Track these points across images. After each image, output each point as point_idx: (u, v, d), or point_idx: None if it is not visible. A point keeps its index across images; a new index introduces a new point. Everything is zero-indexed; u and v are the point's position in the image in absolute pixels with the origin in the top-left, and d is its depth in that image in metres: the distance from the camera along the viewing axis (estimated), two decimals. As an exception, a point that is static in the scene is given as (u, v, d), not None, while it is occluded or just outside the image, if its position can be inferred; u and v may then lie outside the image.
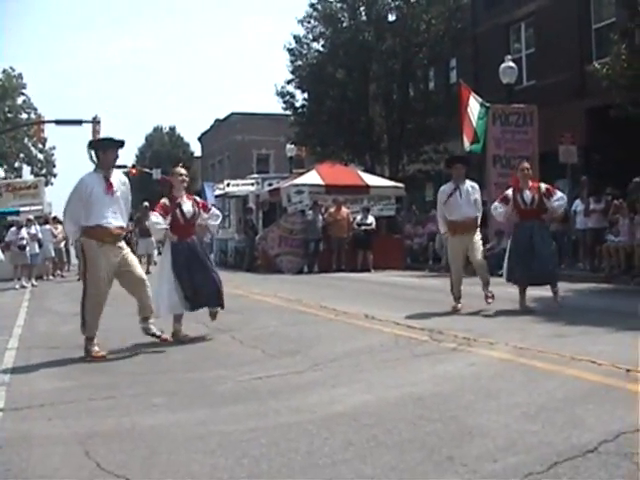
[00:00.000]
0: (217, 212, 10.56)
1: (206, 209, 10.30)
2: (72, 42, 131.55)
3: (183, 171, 10.14)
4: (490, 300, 11.98)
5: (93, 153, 9.01)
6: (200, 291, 9.81)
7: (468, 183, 12.27)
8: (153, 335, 9.22)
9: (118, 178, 9.15)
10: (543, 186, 12.10)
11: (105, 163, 8.99)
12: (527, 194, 11.83)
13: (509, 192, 12.06)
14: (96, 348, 8.56)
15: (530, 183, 11.98)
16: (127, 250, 9.13)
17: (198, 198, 10.67)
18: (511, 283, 12.07)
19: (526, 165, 12.32)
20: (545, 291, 12.07)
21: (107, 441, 5.11)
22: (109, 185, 8.85)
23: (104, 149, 9.02)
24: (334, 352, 8.28)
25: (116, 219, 8.87)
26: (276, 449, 4.77)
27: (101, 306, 8.76)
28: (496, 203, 12.25)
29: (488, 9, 32.12)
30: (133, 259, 9.20)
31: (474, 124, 21.98)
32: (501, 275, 12.41)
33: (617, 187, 20.02)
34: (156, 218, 9.68)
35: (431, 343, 8.70)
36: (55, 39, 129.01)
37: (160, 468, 4.52)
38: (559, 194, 12.22)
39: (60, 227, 28.58)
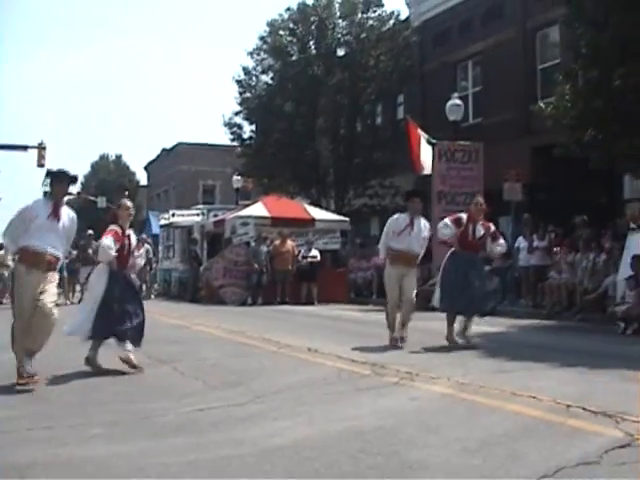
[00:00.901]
0: (144, 253, 10.68)
1: (138, 247, 10.49)
2: (17, 64, 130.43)
3: (130, 204, 10.11)
4: (399, 344, 11.67)
5: (48, 182, 8.98)
6: (125, 324, 9.53)
7: (422, 220, 12.26)
8: (21, 373, 8.63)
9: (67, 212, 9.07)
10: (493, 227, 12.26)
11: (56, 193, 8.96)
12: (479, 228, 11.90)
13: (463, 216, 12.06)
14: (28, 369, 8.42)
15: (482, 219, 12.07)
16: (52, 284, 8.91)
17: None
18: (447, 312, 12.00)
19: (481, 200, 12.35)
20: (489, 326, 12.17)
21: (45, 472, 5.01)
22: (55, 213, 8.78)
23: (58, 180, 8.98)
24: (276, 385, 8.23)
25: (54, 248, 8.77)
26: (216, 482, 4.73)
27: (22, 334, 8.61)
28: (447, 221, 12.11)
29: (436, 47, 32.53)
30: (49, 296, 8.86)
31: (425, 149, 22.07)
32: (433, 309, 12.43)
33: (560, 225, 20.30)
34: (110, 242, 9.50)
35: (373, 377, 8.69)
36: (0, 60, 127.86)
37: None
38: (502, 241, 12.47)
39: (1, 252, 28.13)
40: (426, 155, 22.08)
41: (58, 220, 8.81)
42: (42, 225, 8.66)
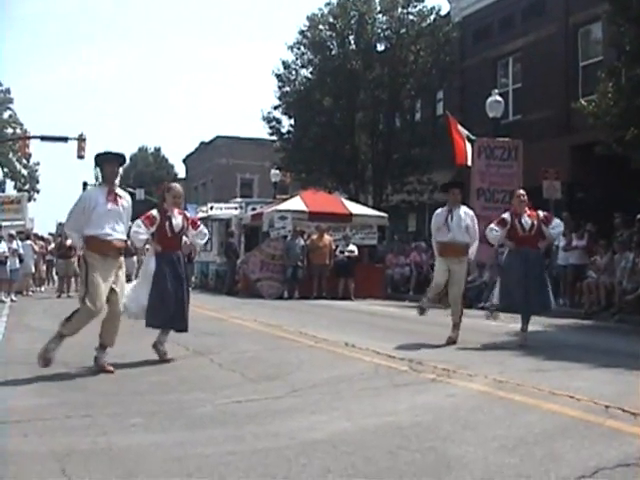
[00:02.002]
0: (205, 230, 10.40)
1: (195, 226, 10.14)
2: (61, 58, 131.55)
3: (179, 191, 10.07)
4: (450, 342, 11.56)
5: (98, 169, 9.09)
6: (170, 309, 9.58)
7: (462, 208, 12.14)
8: (99, 364, 8.92)
9: (122, 194, 9.19)
10: (541, 213, 12.12)
11: (109, 176, 9.13)
12: (526, 219, 11.78)
13: (506, 216, 11.96)
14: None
15: (527, 210, 11.98)
16: (122, 273, 9.06)
17: (188, 214, 10.63)
18: (506, 310, 12.03)
19: (522, 192, 12.24)
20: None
21: (84, 460, 5.05)
22: (114, 198, 8.90)
23: (109, 161, 9.10)
24: (314, 379, 8.25)
25: (119, 233, 8.89)
26: (254, 474, 4.74)
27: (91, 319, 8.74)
28: (492, 225, 12.02)
29: (476, 43, 32.40)
30: (122, 289, 9.07)
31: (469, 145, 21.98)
32: (481, 308, 12.38)
33: (599, 224, 20.15)
34: (137, 227, 9.61)
35: (411, 373, 8.68)
36: (43, 55, 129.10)
37: (137, 489, 4.49)
38: (557, 221, 12.25)
39: (42, 243, 28.51)
40: (469, 148, 21.98)
41: (117, 204, 8.94)
42: (103, 212, 8.78)
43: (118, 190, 9.21)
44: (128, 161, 74.78)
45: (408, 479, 4.64)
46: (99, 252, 8.69)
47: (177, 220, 9.83)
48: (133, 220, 9.52)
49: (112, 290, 8.78)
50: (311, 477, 4.68)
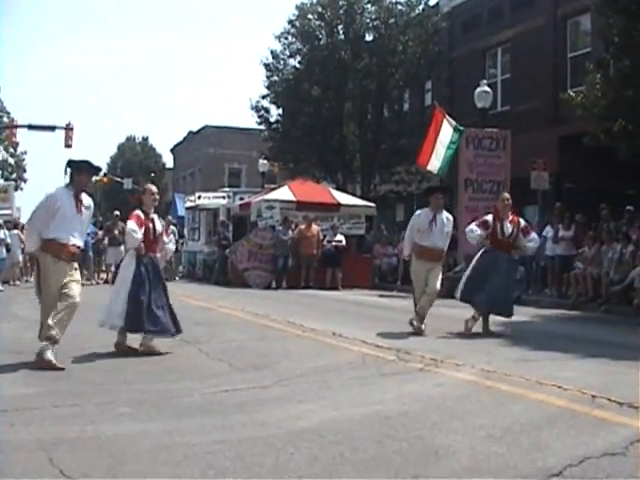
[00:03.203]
0: (174, 240, 10.51)
1: (167, 233, 10.32)
2: (48, 47, 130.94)
3: (155, 189, 10.09)
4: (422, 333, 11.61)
5: (69, 172, 8.98)
6: (155, 322, 9.45)
7: (444, 214, 12.21)
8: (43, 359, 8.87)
9: (86, 200, 9.10)
10: (523, 222, 12.23)
11: (78, 184, 8.99)
12: (508, 226, 11.90)
13: (489, 218, 12.07)
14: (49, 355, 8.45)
15: (510, 215, 12.04)
16: (76, 275, 9.01)
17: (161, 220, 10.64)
18: (464, 303, 12.09)
19: (507, 196, 12.33)
20: (513, 315, 12.12)
21: (71, 449, 5.06)
22: (79, 204, 8.86)
23: (79, 171, 9.01)
24: (301, 368, 8.27)
25: (76, 238, 8.85)
26: (241, 463, 4.76)
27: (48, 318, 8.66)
28: (473, 226, 12.16)
29: (465, 34, 32.37)
30: (76, 286, 8.90)
31: (439, 149, 21.82)
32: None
33: (586, 215, 20.18)
34: (134, 226, 9.59)
35: (398, 363, 8.71)
36: (31, 43, 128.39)
37: (124, 478, 4.48)
38: (534, 235, 12.43)
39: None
40: (439, 155, 21.79)
41: (81, 210, 8.90)
42: (66, 216, 8.73)
43: (83, 195, 9.10)
44: (116, 150, 75.15)
45: (396, 468, 4.65)
46: (53, 255, 8.66)
47: (158, 224, 9.96)
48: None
49: (65, 284, 8.72)
50: (299, 466, 4.70)
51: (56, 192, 8.90)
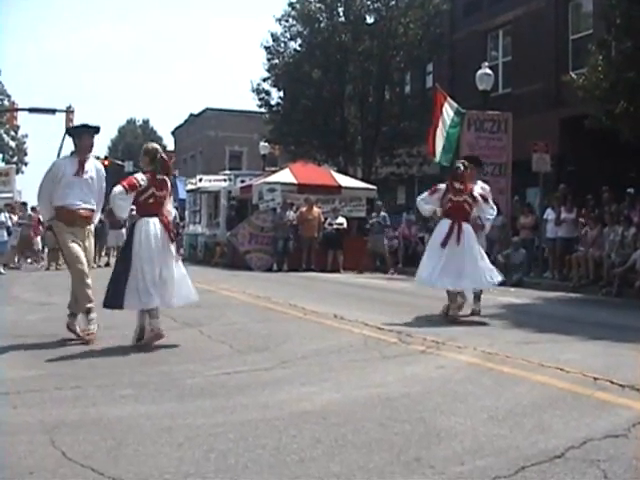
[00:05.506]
0: (172, 211, 9.65)
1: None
2: (48, 30, 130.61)
3: (149, 147, 9.04)
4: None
5: (71, 140, 9.03)
6: (160, 295, 8.68)
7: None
8: (74, 332, 8.94)
9: (93, 164, 9.13)
10: (476, 191, 11.37)
11: (81, 149, 9.05)
12: (460, 194, 11.11)
13: (442, 186, 11.30)
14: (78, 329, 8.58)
15: (466, 184, 11.25)
16: (91, 241, 9.05)
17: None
18: (430, 286, 11.59)
19: (458, 163, 11.59)
20: (515, 298, 12.12)
21: (73, 431, 5.05)
22: (81, 168, 8.86)
23: (79, 135, 9.09)
24: (303, 350, 8.27)
25: (85, 202, 8.85)
26: (244, 444, 4.75)
27: (87, 279, 8.80)
28: (424, 195, 11.55)
29: (466, 16, 32.28)
30: (89, 253, 9.06)
31: (444, 134, 21.73)
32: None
33: (588, 197, 20.16)
34: (116, 190, 8.42)
35: (400, 345, 8.69)
36: (31, 26, 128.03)
37: (126, 459, 4.48)
38: (485, 206, 11.46)
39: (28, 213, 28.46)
40: (438, 142, 21.65)
41: (83, 175, 8.90)
42: (69, 182, 8.80)
43: (90, 160, 9.12)
44: (116, 133, 75.14)
45: (398, 450, 4.64)
46: (66, 222, 8.79)
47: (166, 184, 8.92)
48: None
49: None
50: (301, 448, 4.69)
51: (57, 161, 9.00)
